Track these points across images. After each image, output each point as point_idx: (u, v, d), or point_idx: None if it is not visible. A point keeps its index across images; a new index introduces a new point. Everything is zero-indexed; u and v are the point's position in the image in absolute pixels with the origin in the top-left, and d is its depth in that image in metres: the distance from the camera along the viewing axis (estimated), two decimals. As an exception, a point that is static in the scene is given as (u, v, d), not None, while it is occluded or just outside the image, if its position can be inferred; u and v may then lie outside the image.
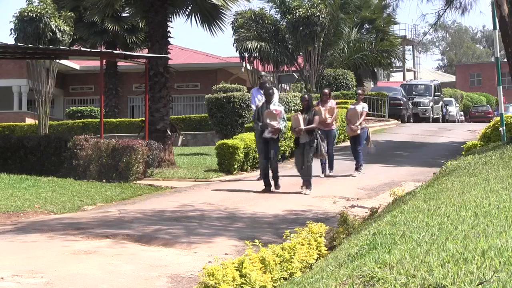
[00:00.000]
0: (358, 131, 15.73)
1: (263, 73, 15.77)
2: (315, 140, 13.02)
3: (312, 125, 13.05)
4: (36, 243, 8.36)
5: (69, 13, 25.02)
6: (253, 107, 14.97)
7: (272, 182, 13.34)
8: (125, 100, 38.25)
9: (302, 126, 12.98)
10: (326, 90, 16.20)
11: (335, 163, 18.39)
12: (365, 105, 16.26)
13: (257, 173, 16.25)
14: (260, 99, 14.49)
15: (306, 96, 13.71)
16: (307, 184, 13.07)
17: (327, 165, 15.62)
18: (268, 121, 13.18)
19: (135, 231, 9.05)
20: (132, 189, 14.15)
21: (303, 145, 13.12)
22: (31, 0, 25.38)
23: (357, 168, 15.74)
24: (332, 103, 15.85)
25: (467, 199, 6.41)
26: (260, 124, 13.34)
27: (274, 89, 14.60)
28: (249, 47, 35.19)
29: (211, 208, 11.27)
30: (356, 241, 5.98)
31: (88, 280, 6.51)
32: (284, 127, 13.49)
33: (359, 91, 16.47)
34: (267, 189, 13.26)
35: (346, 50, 36.68)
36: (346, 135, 25.20)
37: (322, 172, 15.51)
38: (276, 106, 13.51)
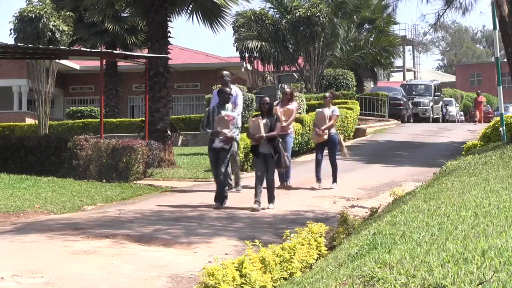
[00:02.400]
0: (325, 137, 13.75)
1: (225, 72, 13.66)
2: (278, 150, 11.32)
3: (273, 133, 11.37)
4: (36, 243, 8.36)
5: (68, 13, 25.03)
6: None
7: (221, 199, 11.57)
8: (125, 100, 38.26)
9: (263, 133, 11.30)
10: (287, 90, 14.53)
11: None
12: (335, 109, 14.33)
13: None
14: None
15: (266, 98, 11.77)
16: (269, 197, 11.44)
17: (290, 173, 13.87)
18: (219, 128, 11.47)
19: (135, 231, 9.05)
20: (132, 189, 14.15)
21: (263, 156, 11.40)
22: (31, 0, 25.40)
23: (335, 179, 13.93)
24: (293, 105, 14.05)
25: (467, 199, 6.41)
26: (210, 131, 11.53)
27: (238, 90, 13.28)
28: (249, 47, 35.22)
29: (211, 208, 11.27)
30: (356, 241, 5.98)
31: (88, 280, 6.51)
32: (237, 135, 11.92)
33: (327, 94, 14.48)
34: (219, 205, 11.52)
35: (345, 49, 36.68)
36: (342, 137, 25.20)
37: (282, 182, 13.71)
38: (229, 111, 11.67)
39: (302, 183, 14.15)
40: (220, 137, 11.42)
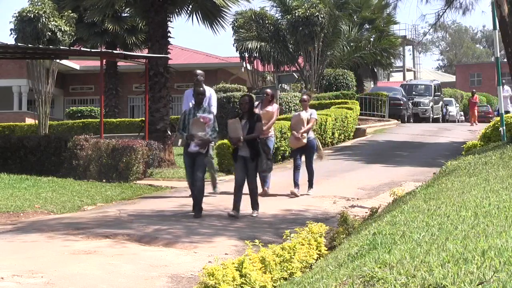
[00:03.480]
0: (304, 141, 12.93)
1: (198, 71, 12.89)
2: (258, 154, 10.53)
3: (253, 134, 10.53)
4: (36, 243, 8.36)
5: (71, 14, 25.05)
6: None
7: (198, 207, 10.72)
8: (125, 100, 38.25)
9: (241, 135, 10.46)
10: (268, 90, 13.75)
11: (335, 163, 18.39)
12: (314, 112, 13.41)
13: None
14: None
15: (246, 97, 10.92)
16: (253, 203, 10.67)
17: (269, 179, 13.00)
18: (194, 131, 10.62)
19: (135, 231, 9.06)
20: (132, 189, 14.16)
21: (243, 159, 10.56)
22: (34, 0, 25.41)
23: (311, 185, 13.10)
24: (273, 107, 13.21)
25: (467, 199, 6.41)
26: (185, 134, 10.71)
27: (212, 91, 12.48)
28: (249, 47, 35.24)
29: (211, 208, 11.27)
30: (356, 241, 5.98)
31: (88, 280, 6.52)
32: (214, 138, 10.93)
33: (304, 97, 13.55)
34: (197, 214, 10.59)
35: (345, 49, 36.69)
36: (342, 137, 25.21)
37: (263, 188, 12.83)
38: (206, 112, 10.85)
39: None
40: (196, 141, 10.60)
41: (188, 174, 10.99)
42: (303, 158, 13.24)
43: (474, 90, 40.00)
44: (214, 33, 21.42)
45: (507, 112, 28.50)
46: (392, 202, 9.71)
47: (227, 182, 15.60)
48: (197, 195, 10.65)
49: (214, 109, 12.38)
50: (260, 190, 11.84)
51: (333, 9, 33.97)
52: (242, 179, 10.61)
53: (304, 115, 13.10)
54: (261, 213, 10.89)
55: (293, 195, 12.69)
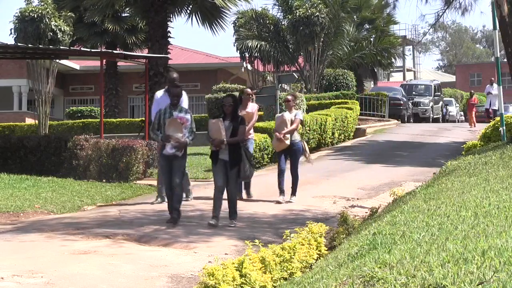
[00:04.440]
0: (287, 142, 12.06)
1: (175, 75, 11.95)
2: (240, 160, 9.92)
3: (237, 138, 9.91)
4: (36, 243, 8.36)
5: (69, 13, 25.06)
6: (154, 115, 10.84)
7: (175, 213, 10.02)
8: (125, 100, 38.24)
9: (224, 138, 9.81)
10: (248, 90, 13.09)
11: (335, 163, 18.37)
12: (298, 112, 12.65)
13: (256, 172, 16.20)
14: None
15: (230, 98, 10.25)
16: (231, 212, 9.97)
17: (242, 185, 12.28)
18: (171, 132, 9.94)
19: (135, 231, 9.06)
20: (132, 189, 14.16)
21: (223, 163, 9.90)
22: (30, 0, 25.42)
23: (294, 192, 12.16)
24: (253, 107, 12.64)
25: (467, 199, 6.41)
26: (160, 136, 10.03)
27: (183, 93, 11.10)
28: (249, 46, 35.24)
29: (211, 208, 11.26)
30: (356, 241, 5.98)
31: (88, 280, 6.52)
32: (192, 140, 10.23)
33: (289, 97, 12.74)
34: (173, 219, 9.88)
35: (346, 49, 36.69)
36: (342, 137, 25.20)
37: (248, 193, 12.48)
38: (182, 113, 10.15)
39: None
40: (172, 143, 9.94)
41: (164, 177, 10.33)
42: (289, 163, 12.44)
43: (472, 91, 38.63)
44: (213, 34, 21.47)
45: (495, 110, 28.24)
46: (392, 202, 9.71)
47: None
48: (175, 202, 9.95)
49: None
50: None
51: (338, 11, 33.97)
52: (222, 184, 9.90)
53: (288, 116, 12.30)
54: (261, 213, 10.90)
55: (278, 203, 11.84)
